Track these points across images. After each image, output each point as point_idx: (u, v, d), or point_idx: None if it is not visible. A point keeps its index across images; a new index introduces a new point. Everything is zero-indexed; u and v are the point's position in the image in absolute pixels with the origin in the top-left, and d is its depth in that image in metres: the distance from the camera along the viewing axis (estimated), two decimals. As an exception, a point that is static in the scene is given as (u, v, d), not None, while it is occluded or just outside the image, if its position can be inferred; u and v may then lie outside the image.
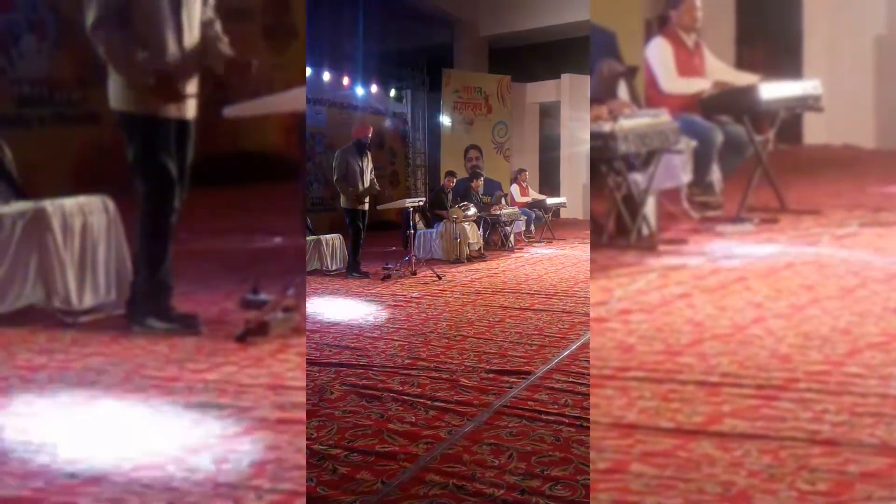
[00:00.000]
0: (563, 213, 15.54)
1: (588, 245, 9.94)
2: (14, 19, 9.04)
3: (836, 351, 2.80)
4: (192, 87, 3.59)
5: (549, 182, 16.63)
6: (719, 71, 5.21)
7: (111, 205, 3.99)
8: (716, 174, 5.01)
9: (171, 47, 3.47)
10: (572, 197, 15.35)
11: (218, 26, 3.70)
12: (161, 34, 3.44)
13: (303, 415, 2.49)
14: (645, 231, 4.53)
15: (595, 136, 4.26)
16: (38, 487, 1.99)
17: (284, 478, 2.04)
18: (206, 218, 5.95)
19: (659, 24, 5.12)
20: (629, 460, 2.06)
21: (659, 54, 4.98)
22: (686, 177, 4.72)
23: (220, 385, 2.78)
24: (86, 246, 3.80)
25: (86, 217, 3.81)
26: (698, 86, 5.04)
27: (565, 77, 16.45)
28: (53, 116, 8.99)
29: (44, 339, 3.45)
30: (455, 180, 9.37)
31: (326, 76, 12.03)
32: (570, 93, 16.40)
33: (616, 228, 4.53)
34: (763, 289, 3.66)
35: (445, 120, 14.84)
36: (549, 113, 17.60)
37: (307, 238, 7.37)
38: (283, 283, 3.56)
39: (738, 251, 4.40)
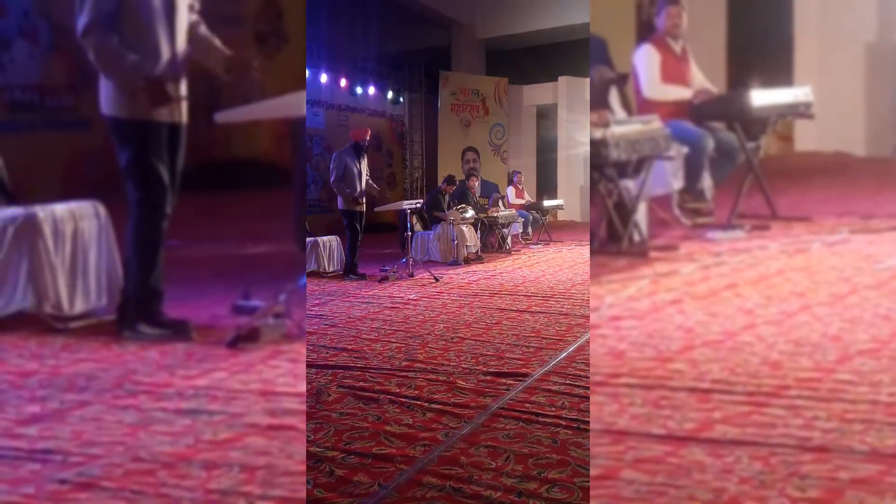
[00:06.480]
0: (561, 216, 15.56)
1: (584, 247, 9.98)
2: (5, 25, 9.02)
3: (827, 358, 2.81)
4: (183, 91, 3.59)
5: (547, 184, 16.67)
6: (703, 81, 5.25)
7: (102, 210, 3.97)
8: (707, 181, 5.04)
9: (162, 51, 3.47)
10: (569, 199, 15.37)
11: (204, 28, 3.70)
12: (151, 38, 3.44)
13: (296, 420, 2.49)
14: (636, 237, 4.55)
15: (592, 143, 4.29)
16: (28, 493, 1.98)
17: (275, 484, 2.03)
18: (198, 224, 5.94)
19: (646, 31, 5.15)
20: (621, 467, 2.06)
21: (646, 60, 5.01)
22: (677, 183, 4.74)
23: (211, 391, 2.77)
24: (77, 252, 3.78)
25: (77, 223, 3.80)
26: (681, 94, 5.07)
27: (562, 80, 16.51)
28: (45, 122, 8.97)
29: (34, 344, 3.43)
30: (454, 187, 9.35)
31: (324, 78, 12.05)
32: (567, 95, 16.45)
33: (608, 235, 4.54)
34: (754, 295, 3.67)
35: (443, 122, 14.85)
36: (546, 115, 17.65)
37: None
38: (275, 289, 3.55)
39: (729, 258, 4.42)
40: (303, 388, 2.88)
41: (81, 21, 3.32)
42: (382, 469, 2.34)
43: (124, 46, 3.35)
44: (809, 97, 4.94)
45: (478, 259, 8.80)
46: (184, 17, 3.58)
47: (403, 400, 3.07)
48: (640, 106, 5.06)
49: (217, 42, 3.68)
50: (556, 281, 6.81)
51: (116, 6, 3.34)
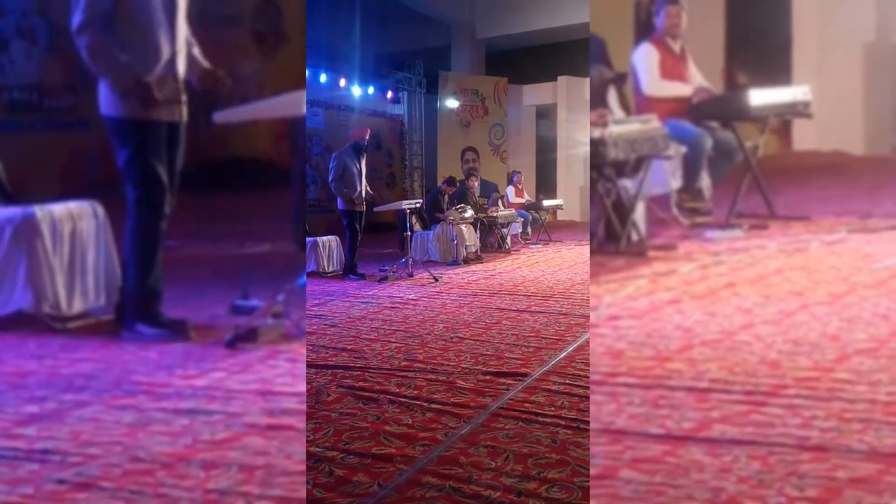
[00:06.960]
0: (560, 215, 15.58)
1: (584, 247, 9.99)
2: (4, 25, 9.03)
3: (825, 357, 2.81)
4: (180, 90, 3.58)
5: (546, 184, 16.70)
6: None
7: (101, 210, 3.97)
8: (705, 180, 5.04)
9: (161, 51, 3.47)
10: (569, 199, 15.40)
11: (187, 32, 3.69)
12: (149, 38, 3.43)
13: (295, 420, 2.49)
14: (635, 237, 4.55)
15: (592, 143, 4.29)
16: (26, 493, 1.98)
17: (274, 484, 2.03)
18: (198, 224, 5.94)
19: (645, 31, 5.16)
20: (619, 466, 2.06)
21: (645, 58, 5.02)
22: (675, 183, 4.75)
23: (210, 391, 2.77)
24: (75, 251, 3.78)
25: (75, 222, 3.80)
26: (681, 90, 5.07)
27: (562, 79, 16.53)
28: (43, 122, 8.97)
29: (33, 344, 3.43)
30: (455, 188, 9.33)
31: (323, 78, 12.05)
32: (566, 95, 16.47)
33: (606, 234, 4.54)
34: (752, 295, 3.68)
35: (442, 122, 14.85)
36: (545, 115, 17.68)
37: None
38: (274, 289, 3.55)
39: (728, 257, 4.42)
40: (302, 388, 2.88)
41: (76, 19, 3.32)
42: (382, 469, 2.34)
43: (119, 46, 3.35)
44: (808, 96, 4.94)
45: (477, 259, 8.80)
46: (183, 17, 3.58)
47: (403, 400, 3.07)
48: (639, 105, 5.06)
49: (196, 51, 3.68)
50: (556, 281, 6.81)
51: (112, 5, 3.34)
